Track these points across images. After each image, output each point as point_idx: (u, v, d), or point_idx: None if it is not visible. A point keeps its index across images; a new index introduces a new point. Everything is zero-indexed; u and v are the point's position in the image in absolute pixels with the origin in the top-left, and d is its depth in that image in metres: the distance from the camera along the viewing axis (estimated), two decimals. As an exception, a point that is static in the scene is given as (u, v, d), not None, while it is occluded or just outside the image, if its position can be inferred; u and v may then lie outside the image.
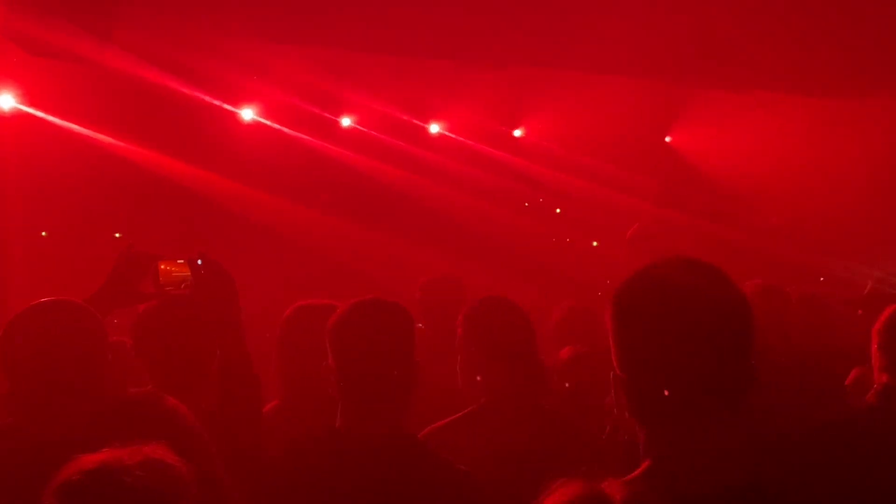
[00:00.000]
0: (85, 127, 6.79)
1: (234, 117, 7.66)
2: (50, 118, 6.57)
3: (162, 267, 2.82)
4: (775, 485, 1.75)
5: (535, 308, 3.78)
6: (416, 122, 8.68)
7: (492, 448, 2.98)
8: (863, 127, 9.11)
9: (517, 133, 9.47)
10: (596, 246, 9.29)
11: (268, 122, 7.80)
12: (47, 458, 1.88)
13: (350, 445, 2.56)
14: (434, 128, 8.90)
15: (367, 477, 2.50)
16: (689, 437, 1.72)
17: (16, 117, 6.38)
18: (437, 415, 3.19)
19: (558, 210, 9.72)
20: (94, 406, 2.63)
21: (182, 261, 2.80)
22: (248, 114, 7.72)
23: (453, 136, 8.93)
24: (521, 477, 2.71)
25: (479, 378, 3.27)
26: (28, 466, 2.44)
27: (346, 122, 8.35)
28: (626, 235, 6.95)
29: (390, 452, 2.56)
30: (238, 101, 7.63)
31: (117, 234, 7.60)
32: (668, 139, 10.31)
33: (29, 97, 6.42)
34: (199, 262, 2.75)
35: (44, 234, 7.43)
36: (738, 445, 1.72)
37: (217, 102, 7.36)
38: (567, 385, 3.86)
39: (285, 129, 7.86)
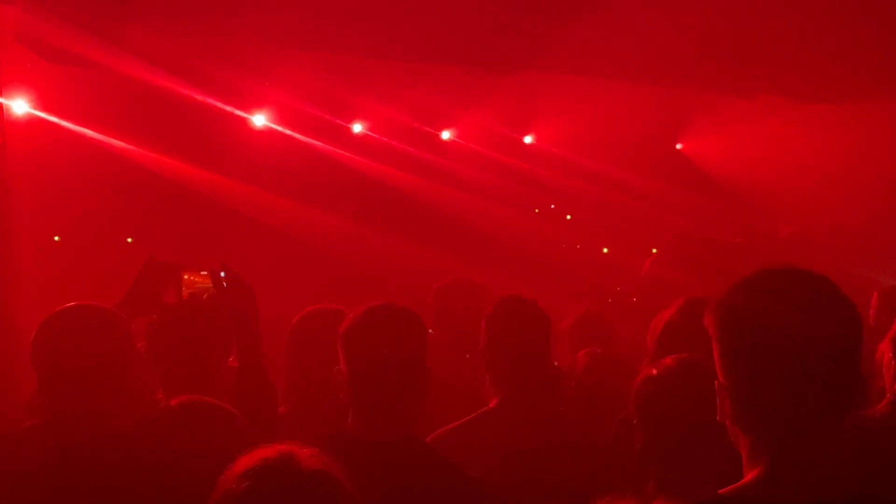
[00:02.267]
0: (98, 132, 6.82)
1: (245, 123, 7.69)
2: (63, 123, 6.60)
3: (185, 277, 2.86)
4: (888, 494, 1.76)
5: (548, 313, 3.77)
6: (427, 128, 8.70)
7: (503, 450, 2.98)
8: (872, 132, 9.09)
9: (528, 139, 9.48)
10: (606, 252, 9.28)
11: (279, 128, 7.82)
12: (81, 458, 1.90)
13: (360, 450, 2.55)
14: (445, 134, 8.92)
15: (376, 482, 2.50)
16: (802, 447, 1.72)
17: (29, 122, 6.42)
18: (447, 421, 3.19)
19: (569, 217, 9.73)
20: (125, 408, 2.66)
21: (204, 272, 2.85)
22: (259, 120, 7.74)
23: (464, 142, 8.94)
24: (532, 480, 2.72)
25: (490, 378, 3.27)
26: (59, 466, 2.48)
27: (357, 128, 8.37)
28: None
29: (400, 458, 2.56)
30: (250, 106, 7.66)
31: (129, 239, 7.63)
32: (679, 146, 10.31)
33: (42, 102, 6.45)
34: (222, 273, 2.79)
35: (56, 238, 7.47)
36: (850, 455, 1.73)
37: (229, 108, 7.39)
38: (579, 389, 3.85)
39: (296, 135, 7.88)
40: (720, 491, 1.74)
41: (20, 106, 6.31)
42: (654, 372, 2.53)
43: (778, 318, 1.75)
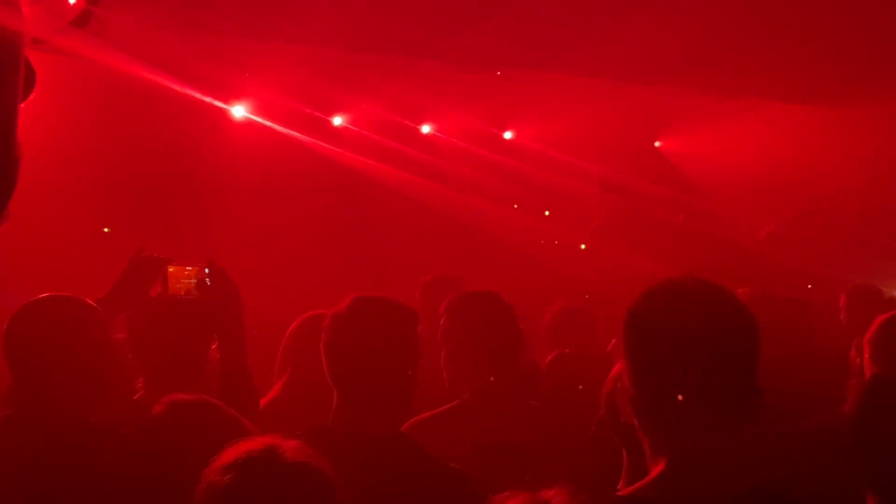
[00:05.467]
0: (75, 123, 6.78)
1: (225, 115, 7.66)
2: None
3: (170, 272, 2.86)
4: (783, 488, 1.80)
5: (526, 309, 3.80)
6: (407, 122, 8.70)
7: (473, 444, 2.99)
8: (851, 134, 9.18)
9: (507, 135, 9.50)
10: (583, 248, 9.32)
11: (259, 120, 7.79)
12: (54, 450, 1.90)
13: (344, 444, 2.55)
14: (425, 128, 8.92)
15: (360, 476, 2.50)
16: (698, 445, 1.78)
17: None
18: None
19: (547, 213, 9.75)
20: (100, 399, 2.66)
21: (190, 267, 2.84)
22: (239, 111, 7.71)
23: (444, 137, 8.95)
24: (502, 473, 2.74)
25: (453, 372, 3.27)
26: (32, 457, 2.47)
27: (337, 121, 8.35)
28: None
29: (383, 451, 2.56)
30: (229, 98, 7.62)
31: (106, 229, 7.58)
32: (657, 144, 10.36)
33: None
34: (207, 269, 2.79)
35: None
36: (746, 452, 1.77)
37: (208, 99, 7.35)
38: (549, 384, 3.88)
39: (277, 127, 7.85)
40: (620, 493, 1.82)
41: None
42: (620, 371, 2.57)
43: (675, 326, 1.81)
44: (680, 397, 1.77)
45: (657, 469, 1.80)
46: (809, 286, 7.85)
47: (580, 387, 3.77)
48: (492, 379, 3.23)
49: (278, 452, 1.82)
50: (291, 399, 3.37)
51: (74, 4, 5.27)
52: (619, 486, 2.51)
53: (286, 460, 1.81)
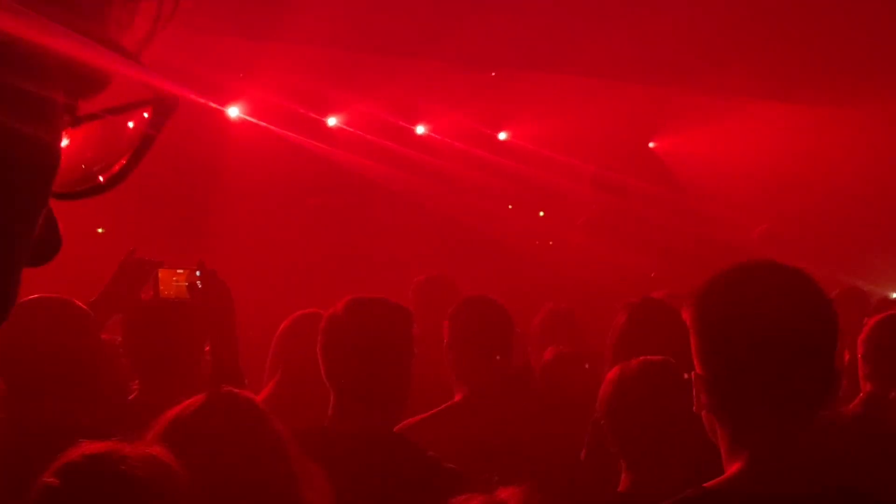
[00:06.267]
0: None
1: (219, 115, 7.65)
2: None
3: (161, 275, 2.86)
4: (869, 487, 1.78)
5: (518, 309, 3.82)
6: (402, 123, 8.70)
7: (465, 444, 2.99)
8: (845, 134, 9.20)
9: (502, 136, 9.50)
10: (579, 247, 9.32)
11: (253, 120, 7.78)
12: (42, 452, 1.89)
13: (336, 443, 2.56)
14: (420, 129, 8.92)
15: (351, 475, 2.51)
16: (780, 440, 1.74)
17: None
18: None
19: (541, 213, 9.76)
20: (87, 400, 2.65)
21: (181, 270, 2.84)
22: (233, 111, 7.71)
23: (439, 137, 8.95)
24: (496, 473, 2.74)
25: (453, 374, 3.33)
26: (25, 457, 2.47)
27: (332, 121, 8.35)
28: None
29: (376, 451, 2.56)
30: (224, 98, 7.62)
31: (99, 230, 7.57)
32: (651, 145, 10.37)
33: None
34: (198, 272, 2.79)
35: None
36: (826, 451, 1.75)
37: (203, 100, 7.34)
38: (544, 386, 3.90)
39: (271, 127, 7.85)
40: (705, 485, 1.75)
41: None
42: (619, 374, 2.58)
43: (755, 311, 1.77)
44: (755, 392, 1.73)
45: (738, 463, 1.75)
46: None
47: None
48: (493, 372, 3.28)
49: (115, 459, 1.75)
50: (283, 399, 3.36)
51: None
52: (619, 489, 2.53)
53: (120, 469, 1.74)
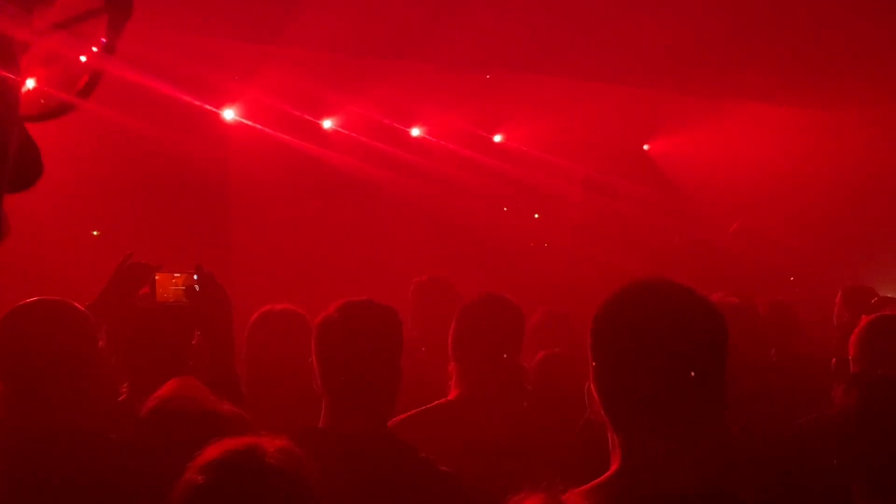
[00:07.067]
0: (63, 126, 6.75)
1: (215, 118, 7.66)
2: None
3: (159, 278, 2.86)
4: (735, 490, 1.81)
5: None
6: (397, 125, 8.71)
7: (460, 443, 3.00)
8: (837, 137, 9.24)
9: (497, 138, 9.52)
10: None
11: (249, 123, 7.80)
12: (34, 453, 1.90)
13: (332, 444, 2.57)
14: (415, 131, 8.94)
15: (348, 476, 2.52)
16: (656, 445, 1.78)
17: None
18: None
19: (536, 215, 9.78)
20: (82, 403, 2.65)
21: (179, 274, 2.84)
22: (229, 114, 7.72)
23: (434, 139, 8.97)
24: (486, 473, 2.75)
25: (455, 370, 3.32)
26: (20, 458, 2.48)
27: (327, 124, 8.37)
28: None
29: (372, 452, 2.57)
30: (219, 101, 7.63)
31: (95, 233, 7.57)
32: (646, 147, 10.40)
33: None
34: (196, 275, 2.79)
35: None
36: (704, 454, 1.78)
37: (198, 103, 7.35)
38: (534, 386, 3.91)
39: (267, 130, 7.86)
40: (583, 488, 1.80)
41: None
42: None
43: (641, 327, 1.82)
44: (634, 396, 1.79)
45: (611, 469, 1.81)
46: (792, 278, 7.93)
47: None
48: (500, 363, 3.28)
49: (258, 454, 1.78)
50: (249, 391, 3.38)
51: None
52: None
53: (266, 463, 1.77)
